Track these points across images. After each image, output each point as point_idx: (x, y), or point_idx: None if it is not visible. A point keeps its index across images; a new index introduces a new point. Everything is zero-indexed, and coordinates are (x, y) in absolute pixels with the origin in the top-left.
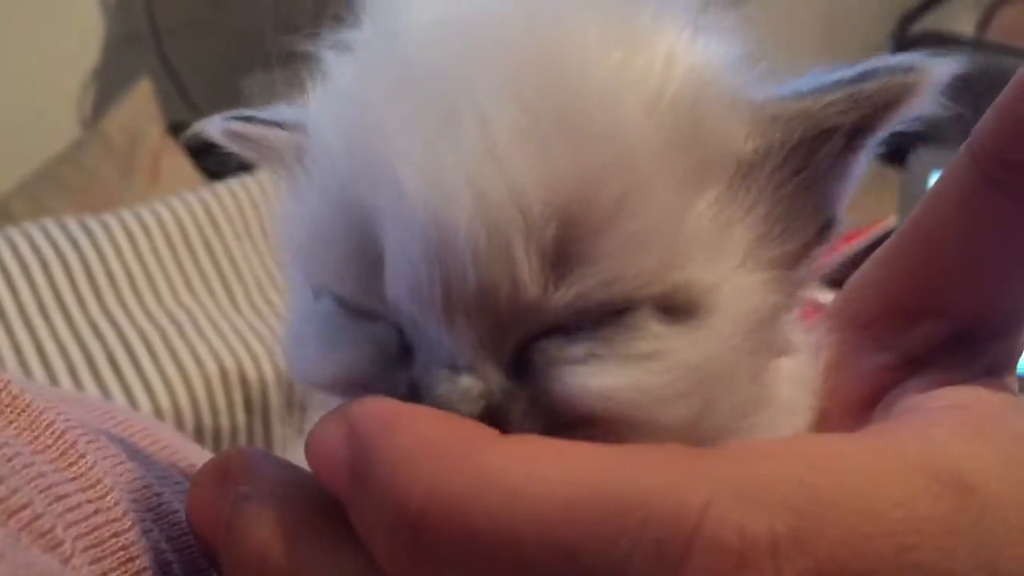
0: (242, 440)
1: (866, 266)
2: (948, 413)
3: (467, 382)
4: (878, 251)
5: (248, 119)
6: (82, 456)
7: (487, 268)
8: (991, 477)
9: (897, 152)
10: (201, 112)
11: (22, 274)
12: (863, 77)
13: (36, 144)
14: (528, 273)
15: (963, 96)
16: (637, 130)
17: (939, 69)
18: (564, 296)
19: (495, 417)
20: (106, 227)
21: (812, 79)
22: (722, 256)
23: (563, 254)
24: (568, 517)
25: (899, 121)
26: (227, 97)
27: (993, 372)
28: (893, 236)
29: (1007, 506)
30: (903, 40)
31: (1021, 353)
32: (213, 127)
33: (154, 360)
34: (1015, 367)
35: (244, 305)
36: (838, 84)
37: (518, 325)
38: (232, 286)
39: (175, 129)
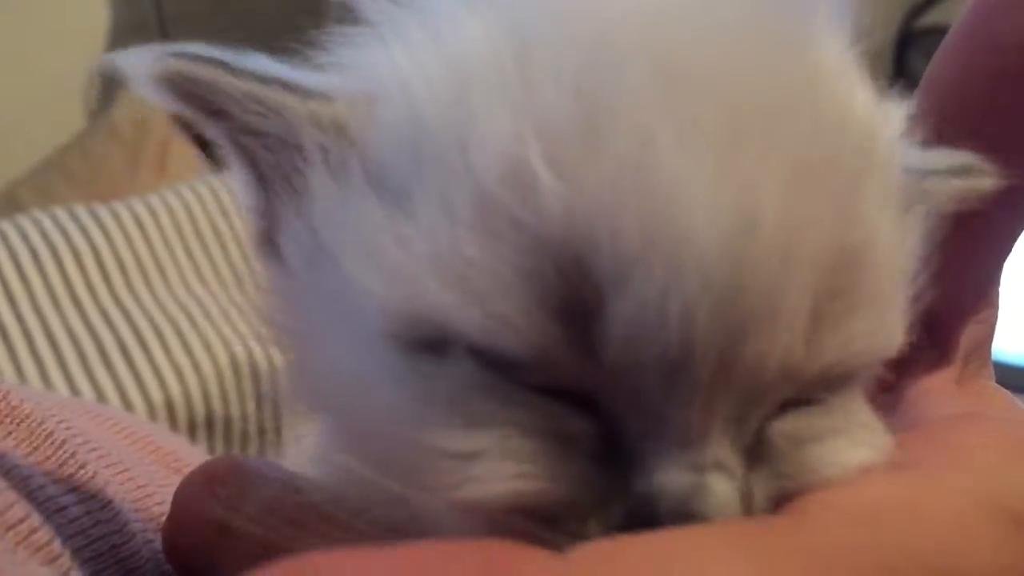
0: (252, 428)
1: None
2: (972, 428)
3: (724, 489)
4: None
5: (200, 59)
6: (82, 467)
7: (769, 330)
8: None
9: None
10: None
11: (32, 262)
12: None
13: (43, 133)
14: (796, 336)
15: None
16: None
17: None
18: (814, 366)
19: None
20: (115, 214)
21: (928, 157)
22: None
23: (817, 317)
24: None
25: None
26: None
27: (968, 361)
28: None
29: None
30: (909, 34)
31: (991, 340)
32: (134, 61)
33: (164, 348)
34: (988, 354)
35: (255, 292)
36: (950, 169)
37: (768, 399)
38: (242, 273)
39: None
